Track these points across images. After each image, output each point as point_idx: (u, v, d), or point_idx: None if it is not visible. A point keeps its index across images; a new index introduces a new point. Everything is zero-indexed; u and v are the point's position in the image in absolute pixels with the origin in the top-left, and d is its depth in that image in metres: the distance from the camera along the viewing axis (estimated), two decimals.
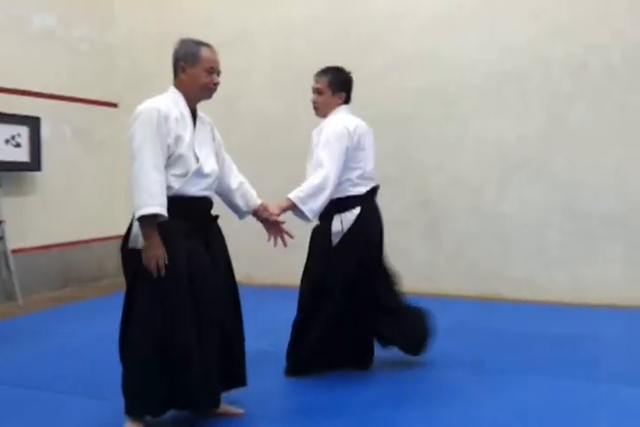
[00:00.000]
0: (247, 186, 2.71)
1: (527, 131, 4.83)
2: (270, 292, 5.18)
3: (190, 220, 2.37)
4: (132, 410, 2.32)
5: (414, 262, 5.13)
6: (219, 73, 2.48)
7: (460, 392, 2.83)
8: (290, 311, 4.50)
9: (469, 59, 4.95)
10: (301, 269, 5.26)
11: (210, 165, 2.45)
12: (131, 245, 2.34)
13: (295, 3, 5.45)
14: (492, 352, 3.44)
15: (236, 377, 2.54)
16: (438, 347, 3.54)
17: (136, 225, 2.32)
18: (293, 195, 2.86)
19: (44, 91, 5.17)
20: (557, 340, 3.67)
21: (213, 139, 2.58)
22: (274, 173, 5.47)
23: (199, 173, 2.39)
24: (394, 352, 3.23)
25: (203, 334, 2.32)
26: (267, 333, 3.74)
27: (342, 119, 3.07)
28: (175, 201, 2.31)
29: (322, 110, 3.13)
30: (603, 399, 2.73)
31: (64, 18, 5.38)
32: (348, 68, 5.19)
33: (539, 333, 3.83)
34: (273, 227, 2.77)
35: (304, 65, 5.38)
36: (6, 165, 4.72)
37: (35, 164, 4.95)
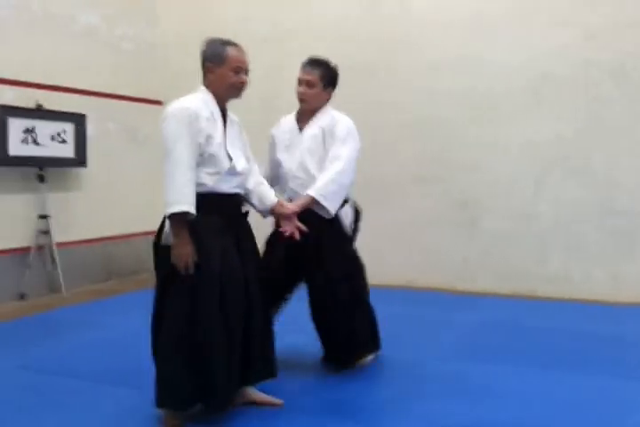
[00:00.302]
0: (264, 186, 2.68)
1: (565, 131, 4.77)
2: (303, 287, 5.21)
3: (223, 216, 2.41)
4: (161, 404, 2.37)
5: (450, 260, 5.14)
6: (247, 72, 2.48)
7: (490, 388, 2.81)
8: None
9: (508, 60, 4.90)
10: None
11: (241, 164, 2.49)
12: (163, 242, 2.39)
13: (329, 2, 5.45)
14: (525, 349, 3.41)
15: (267, 369, 2.58)
16: (474, 342, 3.54)
17: (169, 223, 2.36)
18: (315, 192, 2.80)
19: (89, 88, 5.31)
20: (595, 338, 3.62)
21: (241, 137, 2.61)
22: None
23: (232, 172, 2.43)
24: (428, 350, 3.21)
25: (228, 333, 2.35)
26: (299, 327, 3.77)
27: (347, 117, 3.03)
28: (209, 198, 2.36)
29: (311, 104, 2.97)
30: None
31: (108, 16, 5.51)
32: (386, 68, 5.22)
33: (575, 330, 3.79)
34: (288, 222, 2.70)
35: (339, 65, 5.39)
36: (52, 161, 4.87)
37: (80, 160, 5.09)
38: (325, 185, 2.81)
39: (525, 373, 3.02)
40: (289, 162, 2.99)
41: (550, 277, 4.82)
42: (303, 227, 2.68)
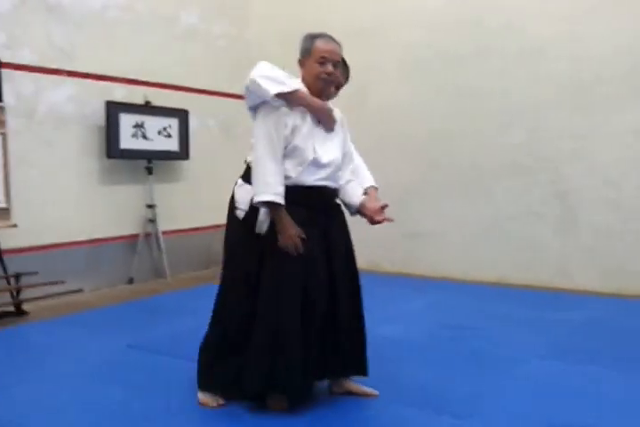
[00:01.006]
0: (353, 183, 2.64)
1: None
2: (396, 279, 5.23)
3: (309, 208, 2.45)
4: (248, 387, 2.44)
5: (548, 256, 4.94)
6: (335, 64, 2.46)
7: (586, 390, 2.70)
8: (414, 299, 4.54)
9: (610, 44, 4.61)
10: (430, 257, 5.29)
11: (329, 156, 2.48)
12: (257, 230, 2.48)
13: None
14: (626, 352, 3.24)
15: (357, 366, 2.60)
16: (573, 342, 3.42)
17: (262, 212, 2.45)
18: (374, 183, 2.72)
19: (192, 85, 5.58)
20: None
21: (341, 131, 2.60)
22: (403, 162, 5.48)
23: (317, 164, 2.44)
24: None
25: (306, 327, 2.39)
26: (391, 320, 3.80)
27: None
28: (293, 190, 2.41)
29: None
30: None
31: (206, 16, 5.75)
32: (479, 55, 5.08)
33: None
34: (380, 215, 2.57)
35: (434, 54, 5.31)
36: (159, 154, 5.18)
37: (183, 153, 5.39)
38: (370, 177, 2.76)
39: (625, 377, 2.87)
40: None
41: None
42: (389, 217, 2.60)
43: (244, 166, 2.61)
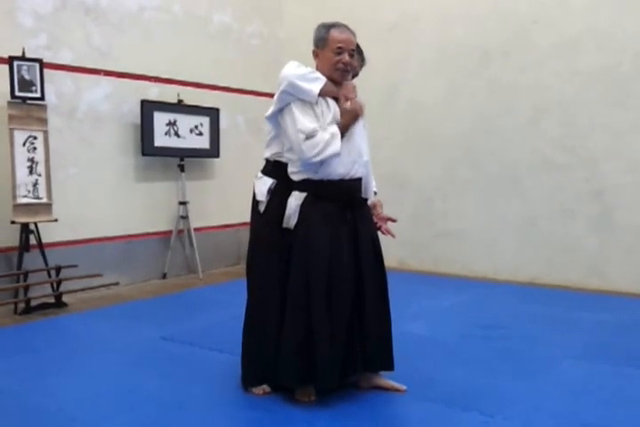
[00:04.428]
0: (369, 182, 2.64)
1: None
2: (425, 278, 5.23)
3: (337, 203, 2.46)
4: (282, 379, 2.50)
5: (583, 256, 4.85)
6: (351, 53, 2.46)
7: (620, 392, 2.67)
8: (445, 298, 4.54)
9: None
10: (460, 256, 5.27)
11: (352, 141, 2.48)
12: (284, 225, 2.52)
13: None
14: None
15: (384, 361, 2.61)
16: (608, 343, 3.38)
17: (288, 206, 2.49)
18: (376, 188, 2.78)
19: (222, 84, 5.67)
20: None
21: (360, 118, 2.59)
22: (433, 159, 5.46)
23: (341, 149, 2.43)
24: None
25: (333, 320, 2.41)
26: (422, 318, 3.82)
27: None
28: (321, 184, 2.44)
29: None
30: None
31: (238, 16, 5.82)
32: (513, 50, 5.03)
33: None
34: (384, 222, 2.72)
35: (465, 48, 5.28)
36: (191, 152, 5.28)
37: (214, 151, 5.48)
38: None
39: None
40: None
41: None
42: (390, 230, 2.74)
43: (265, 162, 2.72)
